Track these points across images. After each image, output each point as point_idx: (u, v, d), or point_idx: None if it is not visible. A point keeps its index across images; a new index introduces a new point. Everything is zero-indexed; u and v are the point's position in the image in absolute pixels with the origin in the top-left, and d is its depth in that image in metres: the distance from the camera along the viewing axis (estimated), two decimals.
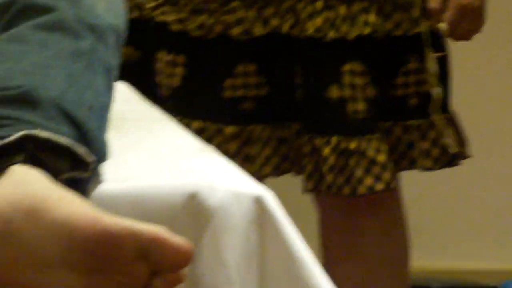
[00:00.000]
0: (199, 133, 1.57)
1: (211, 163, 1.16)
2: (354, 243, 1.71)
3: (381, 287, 1.60)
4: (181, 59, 1.60)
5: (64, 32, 1.06)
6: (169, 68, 1.62)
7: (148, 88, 1.62)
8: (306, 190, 1.62)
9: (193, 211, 1.05)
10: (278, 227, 1.05)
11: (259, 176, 1.61)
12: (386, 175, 1.57)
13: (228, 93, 1.59)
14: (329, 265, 1.69)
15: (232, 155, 1.58)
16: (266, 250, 1.07)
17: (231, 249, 1.05)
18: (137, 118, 1.28)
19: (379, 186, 1.56)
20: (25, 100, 0.97)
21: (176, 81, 1.62)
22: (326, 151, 1.57)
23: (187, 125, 1.56)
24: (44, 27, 1.07)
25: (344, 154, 1.58)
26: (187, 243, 0.88)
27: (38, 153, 0.94)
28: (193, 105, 1.65)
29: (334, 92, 1.58)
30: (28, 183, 0.91)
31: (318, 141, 1.58)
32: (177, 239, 0.88)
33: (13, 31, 1.06)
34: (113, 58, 1.10)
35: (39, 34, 1.06)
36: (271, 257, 1.07)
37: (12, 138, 0.92)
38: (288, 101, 1.63)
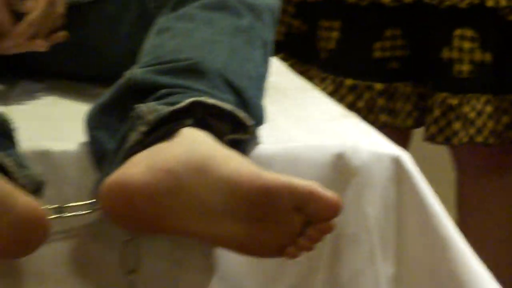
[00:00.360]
0: (352, 89, 1.74)
1: (354, 127, 1.24)
2: (485, 199, 1.82)
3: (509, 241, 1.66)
4: (337, 24, 1.74)
5: (227, 11, 1.16)
6: (326, 33, 1.76)
7: (313, 55, 1.80)
8: (425, 139, 1.75)
9: (338, 170, 1.13)
10: (414, 184, 1.14)
11: (403, 128, 1.78)
12: (485, 131, 1.72)
13: (377, 54, 1.72)
14: (462, 219, 1.82)
15: (379, 109, 1.73)
16: (402, 205, 1.15)
17: (371, 204, 1.14)
18: (287, 88, 1.36)
19: (479, 139, 1.70)
20: (194, 71, 1.07)
21: (332, 44, 1.75)
22: (437, 110, 1.73)
23: (341, 83, 1.74)
24: (208, 7, 1.17)
25: (448, 108, 1.73)
26: (337, 196, 0.98)
27: (205, 118, 1.03)
28: (347, 65, 1.77)
29: (445, 54, 1.71)
30: (196, 143, 1.01)
31: (440, 97, 1.73)
32: (329, 193, 0.97)
33: (181, 11, 1.18)
34: (269, 34, 1.19)
35: (204, 13, 1.16)
36: (407, 211, 1.16)
37: (182, 104, 1.01)
38: (425, 61, 1.76)
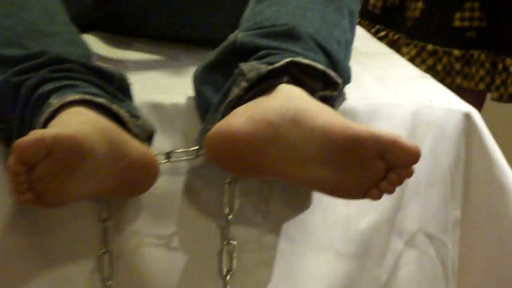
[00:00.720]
0: (432, 54, 1.87)
1: (430, 86, 1.33)
2: None
3: None
4: None
5: None
6: (413, 4, 1.88)
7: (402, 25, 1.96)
8: (492, 99, 1.88)
9: (416, 124, 1.23)
10: (482, 138, 1.23)
11: (476, 90, 1.90)
12: None
13: (457, 23, 1.83)
14: None
15: (456, 73, 1.85)
16: (471, 156, 1.25)
17: (444, 154, 1.23)
18: (371, 52, 1.44)
19: None
20: (290, 35, 1.14)
21: (417, 13, 1.88)
22: (504, 74, 1.85)
23: (423, 48, 1.87)
24: None
25: None
26: (417, 146, 1.05)
27: (299, 76, 1.10)
28: (429, 32, 1.89)
29: None
30: (292, 98, 1.08)
31: (508, 61, 1.85)
32: (410, 142, 1.05)
33: None
34: (354, 5, 1.27)
35: None
36: (474, 162, 1.25)
37: (280, 63, 1.09)
38: (499, 32, 1.88)
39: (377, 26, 2.05)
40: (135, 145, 1.09)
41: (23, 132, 1.06)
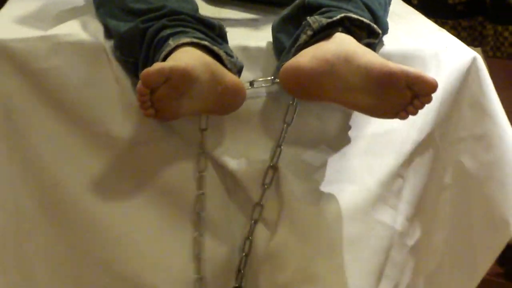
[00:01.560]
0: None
1: (444, 37, 1.46)
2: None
3: None
4: None
5: None
6: None
7: None
8: (487, 56, 1.99)
9: (435, 64, 1.36)
10: (482, 74, 1.39)
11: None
12: None
13: (450, 1, 2.00)
14: None
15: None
16: (471, 87, 1.40)
17: (451, 86, 1.38)
18: (401, 12, 1.56)
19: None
20: None
21: None
22: (505, 33, 1.99)
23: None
24: None
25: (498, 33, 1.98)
26: (435, 79, 1.17)
27: (350, 27, 1.22)
28: (430, 9, 2.03)
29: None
30: (344, 43, 1.20)
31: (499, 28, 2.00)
32: (431, 77, 1.17)
33: None
34: None
35: None
36: (473, 90, 1.40)
37: (337, 17, 1.21)
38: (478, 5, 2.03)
39: None
40: (229, 75, 1.19)
41: (147, 65, 1.17)
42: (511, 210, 1.44)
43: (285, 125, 1.29)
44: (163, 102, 1.16)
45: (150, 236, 1.31)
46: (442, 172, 1.41)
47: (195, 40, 1.19)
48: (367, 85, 1.18)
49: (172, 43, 1.18)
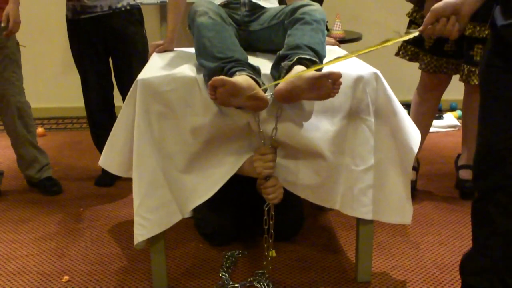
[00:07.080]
0: (429, 63, 3.07)
1: (361, 65, 2.19)
2: (471, 105, 3.09)
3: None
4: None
5: (308, 24, 2.07)
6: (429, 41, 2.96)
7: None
8: (460, 80, 2.89)
9: (355, 79, 2.11)
10: (383, 83, 2.13)
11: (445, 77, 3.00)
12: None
13: (446, 48, 2.89)
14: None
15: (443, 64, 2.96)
16: (378, 98, 2.14)
17: (367, 93, 2.13)
18: (333, 50, 2.30)
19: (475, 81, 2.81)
20: (298, 47, 2.04)
21: (428, 45, 2.96)
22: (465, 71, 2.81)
23: (431, 57, 3.08)
24: (302, 23, 2.09)
25: (469, 71, 2.80)
26: (339, 71, 1.84)
27: (303, 62, 1.99)
28: (433, 52, 3.02)
29: (470, 53, 2.86)
30: (301, 71, 1.90)
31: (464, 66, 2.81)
32: (337, 70, 1.86)
33: (294, 26, 2.13)
34: (323, 28, 2.05)
35: (301, 26, 2.09)
36: (380, 101, 2.12)
37: (294, 59, 1.99)
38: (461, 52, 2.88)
39: (412, 48, 3.14)
40: (260, 91, 1.88)
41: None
42: (412, 142, 2.16)
43: (279, 111, 2.06)
44: (220, 95, 1.88)
45: (226, 151, 2.15)
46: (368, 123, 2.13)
47: (247, 74, 1.93)
48: (311, 86, 1.89)
49: (236, 75, 1.91)
